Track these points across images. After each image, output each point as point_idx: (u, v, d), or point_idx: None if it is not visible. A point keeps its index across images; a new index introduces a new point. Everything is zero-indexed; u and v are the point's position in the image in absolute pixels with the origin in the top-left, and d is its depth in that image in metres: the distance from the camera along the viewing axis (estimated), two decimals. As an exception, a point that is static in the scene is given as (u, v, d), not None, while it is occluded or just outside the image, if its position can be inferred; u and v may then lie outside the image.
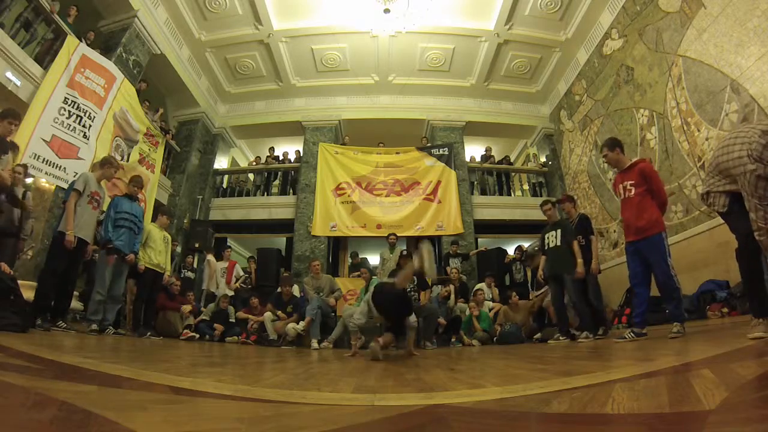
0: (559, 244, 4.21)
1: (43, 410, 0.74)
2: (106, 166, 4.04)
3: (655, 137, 5.99)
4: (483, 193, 9.10)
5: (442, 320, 5.28)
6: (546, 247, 4.39)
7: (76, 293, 4.55)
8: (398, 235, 7.47)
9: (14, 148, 3.76)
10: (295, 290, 5.86)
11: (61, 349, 2.20)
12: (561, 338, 4.06)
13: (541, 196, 9.18)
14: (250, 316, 5.58)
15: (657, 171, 3.33)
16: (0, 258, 3.31)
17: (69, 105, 5.29)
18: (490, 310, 5.71)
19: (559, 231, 4.24)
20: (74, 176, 4.45)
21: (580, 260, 3.98)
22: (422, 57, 8.46)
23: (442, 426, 0.76)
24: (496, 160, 9.84)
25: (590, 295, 4.13)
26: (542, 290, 5.36)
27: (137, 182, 4.52)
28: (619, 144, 3.45)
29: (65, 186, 4.49)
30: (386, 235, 6.52)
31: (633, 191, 3.19)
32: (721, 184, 2.30)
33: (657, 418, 0.71)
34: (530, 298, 5.76)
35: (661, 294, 3.10)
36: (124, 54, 6.46)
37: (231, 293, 6.44)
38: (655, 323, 3.95)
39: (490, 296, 6.26)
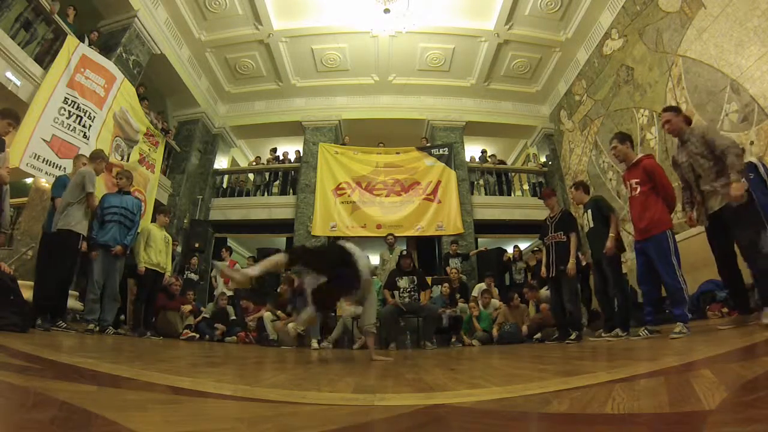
0: (592, 225, 3.75)
1: (43, 410, 0.74)
2: (97, 160, 4.00)
3: (655, 137, 5.99)
4: (486, 193, 9.09)
5: (451, 310, 5.37)
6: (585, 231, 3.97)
7: (76, 293, 4.55)
8: (399, 235, 7.48)
9: None
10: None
11: (61, 349, 2.20)
12: (604, 335, 3.64)
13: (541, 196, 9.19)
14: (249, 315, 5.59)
15: (661, 166, 3.35)
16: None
17: (69, 105, 5.28)
18: (495, 309, 5.65)
19: (590, 211, 3.78)
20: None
21: (612, 234, 3.53)
22: (422, 57, 8.45)
23: (442, 426, 0.76)
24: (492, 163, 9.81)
25: (564, 298, 3.88)
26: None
27: (122, 175, 4.42)
28: (630, 138, 3.45)
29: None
30: (384, 235, 6.51)
31: (638, 189, 3.18)
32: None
33: (657, 418, 0.71)
34: (529, 294, 5.59)
35: (667, 293, 3.11)
36: (124, 54, 6.46)
37: (230, 293, 6.44)
38: (661, 323, 3.91)
39: (491, 296, 6.23)
